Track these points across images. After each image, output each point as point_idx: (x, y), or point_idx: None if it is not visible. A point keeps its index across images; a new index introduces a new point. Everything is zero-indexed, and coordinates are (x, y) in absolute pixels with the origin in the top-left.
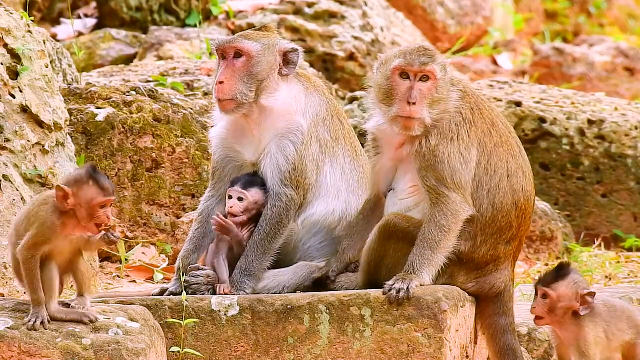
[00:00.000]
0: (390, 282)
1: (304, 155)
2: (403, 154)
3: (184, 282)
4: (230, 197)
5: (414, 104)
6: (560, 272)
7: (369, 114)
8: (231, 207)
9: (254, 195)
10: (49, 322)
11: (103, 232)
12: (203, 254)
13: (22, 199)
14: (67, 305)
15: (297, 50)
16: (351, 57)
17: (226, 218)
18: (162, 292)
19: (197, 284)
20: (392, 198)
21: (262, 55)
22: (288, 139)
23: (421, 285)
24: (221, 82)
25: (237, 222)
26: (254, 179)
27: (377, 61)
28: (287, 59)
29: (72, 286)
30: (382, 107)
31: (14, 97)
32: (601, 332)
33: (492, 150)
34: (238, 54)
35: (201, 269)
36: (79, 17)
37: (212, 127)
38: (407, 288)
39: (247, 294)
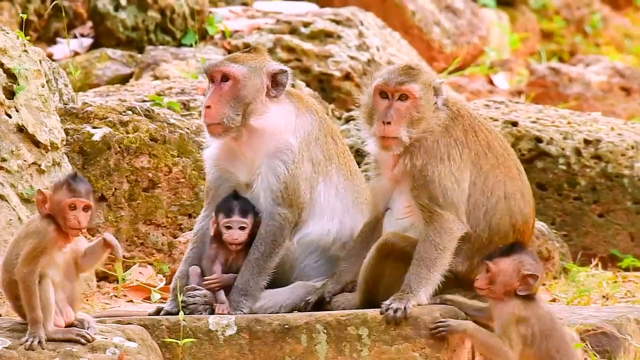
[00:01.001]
0: (387, 302)
1: (295, 174)
2: (396, 173)
3: (181, 302)
4: (229, 227)
5: (389, 123)
6: (508, 249)
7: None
8: (236, 239)
9: (252, 220)
10: (46, 342)
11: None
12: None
13: (18, 218)
14: (70, 325)
15: (286, 71)
16: (347, 76)
17: (226, 246)
18: (158, 312)
19: (194, 304)
20: (389, 218)
21: (248, 79)
22: (278, 159)
23: (418, 305)
24: (208, 107)
25: (240, 248)
26: (245, 204)
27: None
28: (275, 81)
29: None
30: (366, 127)
31: (10, 116)
32: (528, 334)
33: (489, 172)
34: (225, 78)
35: (197, 289)
36: (75, 37)
37: (206, 147)
38: (404, 308)
39: (244, 313)
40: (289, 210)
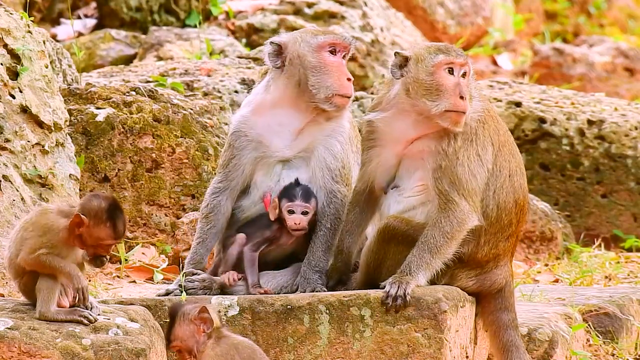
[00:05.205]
0: (387, 288)
1: (348, 154)
2: (413, 150)
3: (179, 287)
4: (292, 212)
5: (462, 97)
6: None
7: (375, 108)
8: (298, 224)
9: (315, 206)
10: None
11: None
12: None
13: (22, 199)
14: (72, 306)
15: None
16: (351, 57)
17: (289, 233)
18: (167, 294)
19: (193, 288)
20: (395, 195)
21: None
22: (335, 138)
23: (417, 287)
24: (349, 79)
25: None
26: (308, 189)
27: (395, 58)
28: None
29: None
30: (425, 103)
31: (13, 97)
32: None
33: (499, 150)
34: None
35: (196, 274)
36: (79, 18)
37: (238, 112)
38: (404, 294)
39: (324, 291)
40: (346, 188)
